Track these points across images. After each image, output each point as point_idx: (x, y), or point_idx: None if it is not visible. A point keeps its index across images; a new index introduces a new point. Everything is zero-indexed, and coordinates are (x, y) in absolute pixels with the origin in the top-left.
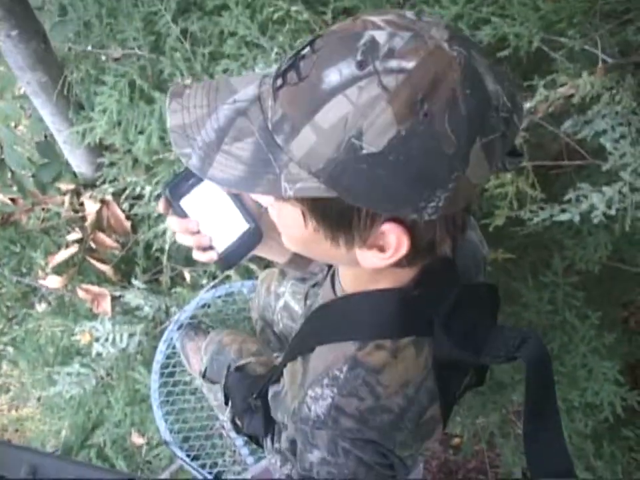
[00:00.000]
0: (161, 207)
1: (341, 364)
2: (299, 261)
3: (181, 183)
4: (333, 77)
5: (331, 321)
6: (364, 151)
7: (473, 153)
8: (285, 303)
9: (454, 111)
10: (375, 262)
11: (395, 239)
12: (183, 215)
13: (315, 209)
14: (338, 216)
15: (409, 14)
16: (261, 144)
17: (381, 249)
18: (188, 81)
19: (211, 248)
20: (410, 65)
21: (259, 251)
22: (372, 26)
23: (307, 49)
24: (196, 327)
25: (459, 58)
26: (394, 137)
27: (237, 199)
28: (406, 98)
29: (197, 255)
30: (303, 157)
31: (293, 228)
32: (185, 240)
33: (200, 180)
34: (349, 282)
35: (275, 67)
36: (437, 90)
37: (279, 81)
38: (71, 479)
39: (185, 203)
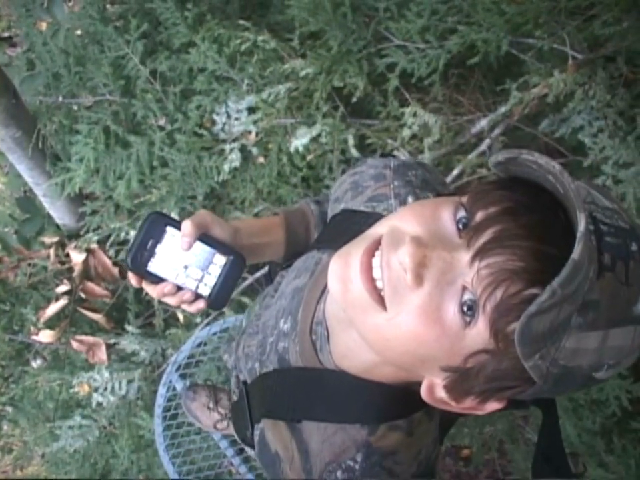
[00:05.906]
0: (133, 281)
1: (354, 452)
2: (296, 248)
3: (140, 250)
4: None
5: (325, 397)
6: (594, 376)
7: None
8: None
9: None
10: (446, 406)
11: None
12: (156, 279)
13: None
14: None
15: None
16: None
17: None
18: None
19: (197, 297)
20: None
21: (256, 260)
22: None
23: (635, 246)
24: (193, 385)
25: None
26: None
27: (205, 237)
28: None
29: (186, 309)
30: (568, 350)
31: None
32: (168, 301)
33: (159, 237)
34: (352, 362)
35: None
36: None
37: (607, 261)
38: None
39: (153, 266)
